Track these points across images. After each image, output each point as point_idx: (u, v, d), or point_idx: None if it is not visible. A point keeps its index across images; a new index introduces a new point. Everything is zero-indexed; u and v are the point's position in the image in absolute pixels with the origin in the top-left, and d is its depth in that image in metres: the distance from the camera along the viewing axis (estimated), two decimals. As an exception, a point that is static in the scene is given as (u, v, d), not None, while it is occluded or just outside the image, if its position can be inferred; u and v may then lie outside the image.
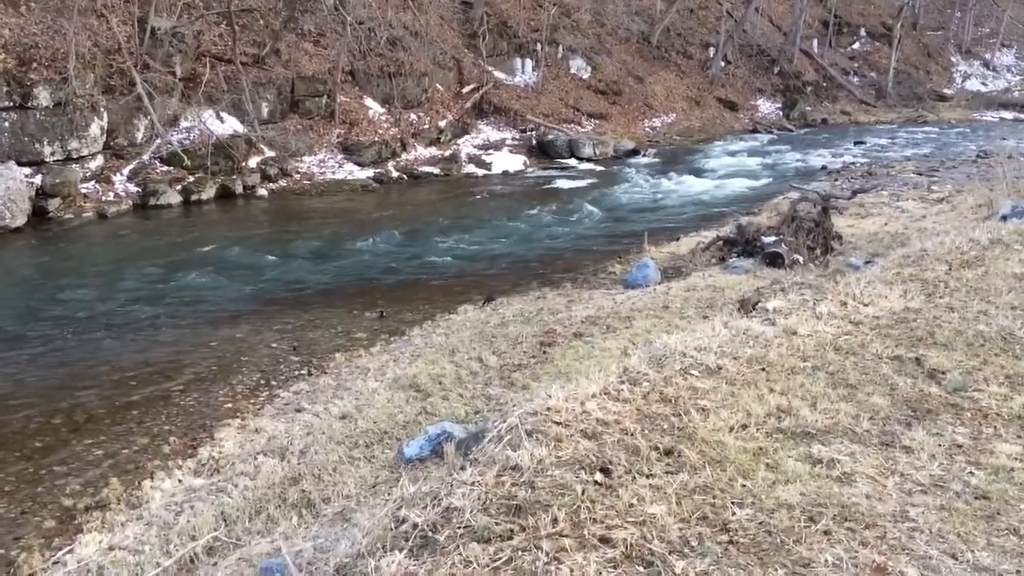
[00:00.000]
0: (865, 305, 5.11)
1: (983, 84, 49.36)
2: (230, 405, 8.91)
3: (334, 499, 6.01)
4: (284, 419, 8.25)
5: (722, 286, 10.68)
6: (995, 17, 53.92)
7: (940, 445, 3.38)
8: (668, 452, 3.23)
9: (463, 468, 3.19)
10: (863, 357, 4.27)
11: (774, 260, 11.66)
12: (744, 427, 3.48)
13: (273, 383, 9.51)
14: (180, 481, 7.20)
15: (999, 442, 3.41)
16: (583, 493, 2.88)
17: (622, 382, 3.88)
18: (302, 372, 9.79)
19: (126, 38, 19.30)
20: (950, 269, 5.88)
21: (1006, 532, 2.81)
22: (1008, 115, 41.55)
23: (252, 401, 9.01)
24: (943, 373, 4.06)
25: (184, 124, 20.27)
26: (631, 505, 2.84)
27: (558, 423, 3.38)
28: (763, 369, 4.09)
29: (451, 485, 2.99)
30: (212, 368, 9.93)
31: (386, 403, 7.92)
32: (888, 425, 3.54)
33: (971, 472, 3.18)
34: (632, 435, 3.33)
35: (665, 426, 3.44)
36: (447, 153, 24.95)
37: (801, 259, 11.75)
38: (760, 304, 6.34)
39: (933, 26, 52.23)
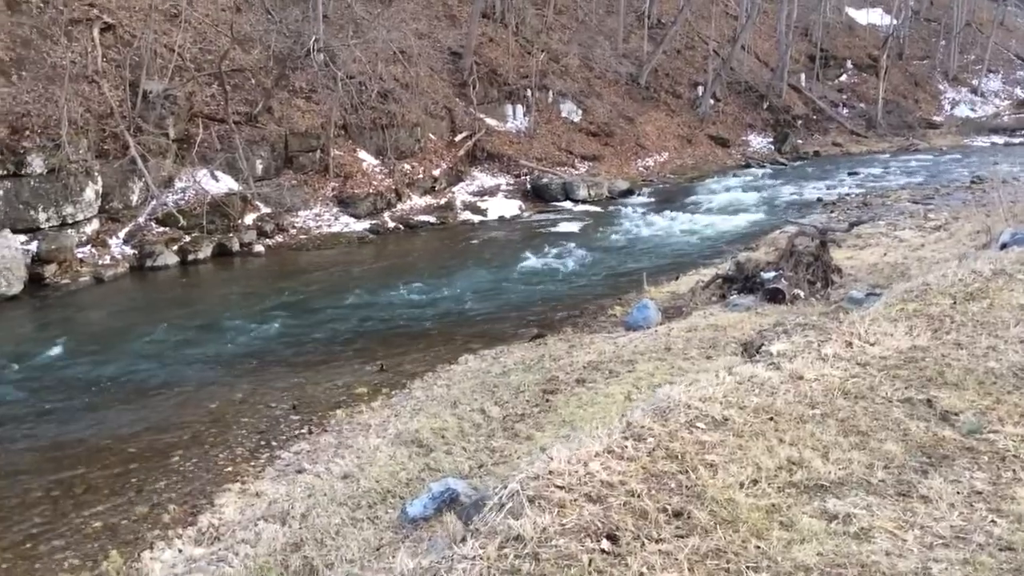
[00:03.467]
0: (871, 344, 5.00)
1: (972, 110, 49.71)
2: (230, 469, 8.77)
3: (337, 564, 5.86)
4: (285, 481, 8.11)
5: (724, 325, 10.59)
6: (980, 44, 54.49)
7: (959, 493, 3.25)
8: (677, 514, 3.10)
9: (463, 540, 3.06)
10: (873, 401, 4.15)
11: (775, 296, 11.59)
12: (755, 482, 3.35)
13: (274, 444, 9.37)
14: (180, 551, 7.06)
15: (1019, 487, 3.29)
16: (590, 564, 2.76)
17: (626, 438, 3.76)
18: (303, 431, 9.65)
19: (118, 102, 19.42)
20: (955, 303, 5.78)
21: (1035, 587, 2.69)
22: (999, 139, 41.74)
23: (252, 464, 8.87)
24: (956, 415, 3.94)
25: (179, 184, 20.29)
26: (641, 575, 2.71)
27: (561, 487, 3.26)
28: (771, 419, 3.97)
29: (451, 560, 2.87)
30: (212, 431, 9.80)
31: (388, 460, 7.79)
32: (904, 474, 3.41)
33: (993, 521, 3.05)
34: (639, 496, 3.21)
35: (673, 485, 3.32)
36: (442, 201, 24.98)
37: (802, 294, 11.67)
38: (764, 347, 6.24)
39: (919, 55, 52.75)
